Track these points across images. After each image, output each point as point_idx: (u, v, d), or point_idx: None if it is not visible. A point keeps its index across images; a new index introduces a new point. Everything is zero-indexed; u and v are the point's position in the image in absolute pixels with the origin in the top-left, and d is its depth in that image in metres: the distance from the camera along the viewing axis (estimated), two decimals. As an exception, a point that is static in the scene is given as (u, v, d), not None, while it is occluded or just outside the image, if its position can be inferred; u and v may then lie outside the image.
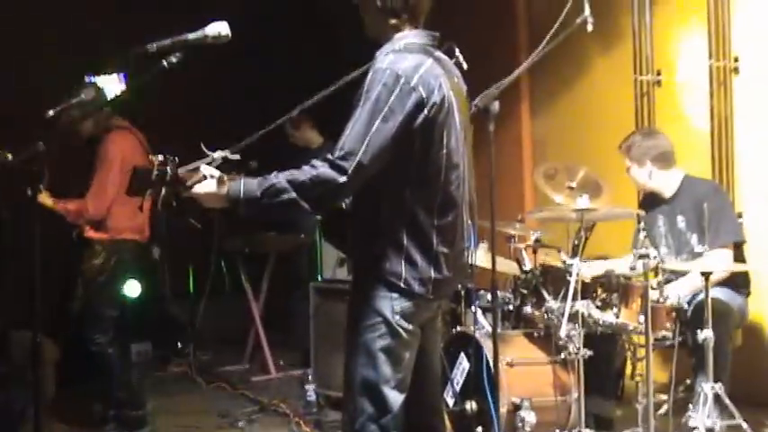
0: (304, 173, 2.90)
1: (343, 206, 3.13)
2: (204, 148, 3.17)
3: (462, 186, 3.16)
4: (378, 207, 3.03)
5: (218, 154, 3.18)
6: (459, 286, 5.09)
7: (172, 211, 3.03)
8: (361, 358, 3.05)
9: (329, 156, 2.90)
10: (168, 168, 2.98)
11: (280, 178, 2.91)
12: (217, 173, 3.05)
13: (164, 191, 3.00)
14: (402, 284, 3.02)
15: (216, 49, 3.15)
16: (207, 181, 3.01)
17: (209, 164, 3.12)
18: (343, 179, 2.87)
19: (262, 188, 2.92)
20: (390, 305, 3.02)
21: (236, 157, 3.19)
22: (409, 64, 2.97)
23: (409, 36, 3.12)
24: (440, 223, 3.07)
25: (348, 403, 3.11)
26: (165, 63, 3.04)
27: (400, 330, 3.04)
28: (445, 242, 3.08)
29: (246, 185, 2.95)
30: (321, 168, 2.89)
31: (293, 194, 2.89)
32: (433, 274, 3.06)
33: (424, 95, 2.95)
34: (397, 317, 3.03)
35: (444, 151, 3.04)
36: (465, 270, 3.30)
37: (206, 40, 3.10)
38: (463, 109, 3.21)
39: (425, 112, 2.95)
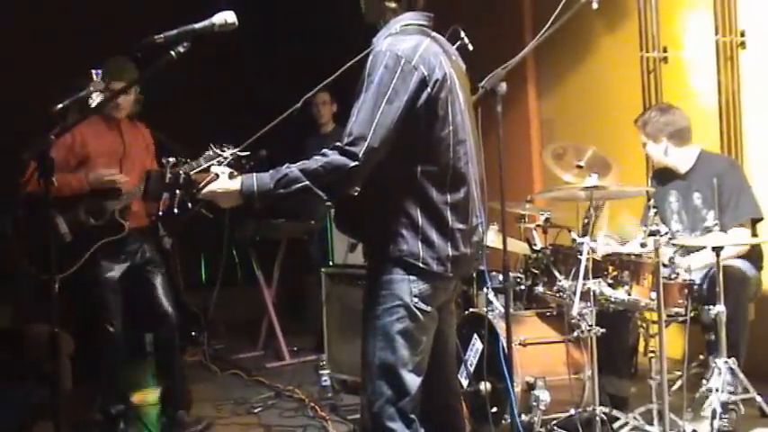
0: (316, 161, 2.94)
1: (354, 194, 3.14)
2: (213, 148, 3.19)
3: (471, 162, 3.18)
4: (389, 188, 3.06)
5: (228, 152, 3.21)
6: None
7: (187, 212, 3.07)
8: (379, 342, 3.08)
9: (338, 143, 2.93)
10: (181, 171, 3.01)
11: (292, 168, 2.95)
12: (227, 171, 3.08)
13: (178, 194, 3.03)
14: (421, 264, 3.04)
15: (215, 38, 3.17)
16: (219, 180, 3.05)
17: (219, 163, 3.15)
18: (354, 164, 2.90)
19: (275, 180, 2.96)
20: (408, 288, 3.05)
21: (246, 153, 3.22)
22: (408, 45, 3.01)
23: (405, 18, 3.15)
24: (453, 199, 3.09)
25: (366, 386, 3.13)
26: (172, 53, 3.05)
27: (418, 313, 3.07)
28: (459, 218, 3.11)
29: (259, 179, 2.99)
30: (332, 156, 2.92)
31: (307, 182, 2.92)
32: (450, 251, 3.09)
33: (426, 73, 2.98)
34: (416, 299, 3.06)
35: (451, 127, 3.07)
36: (480, 246, 3.31)
37: (213, 29, 3.12)
38: (465, 86, 3.24)
39: (428, 89, 2.99)
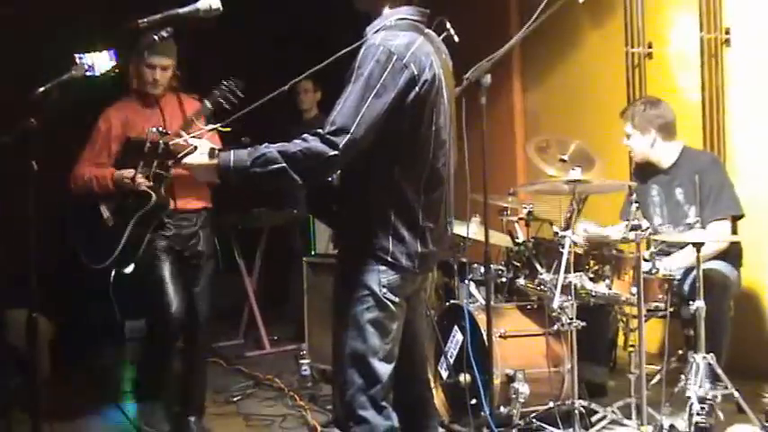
0: (295, 145, 2.92)
1: (330, 181, 3.14)
2: (195, 121, 3.17)
3: (447, 164, 3.20)
4: (366, 184, 3.07)
5: (208, 127, 3.18)
6: (452, 260, 5.12)
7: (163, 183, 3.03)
8: (350, 331, 3.09)
9: (320, 131, 2.92)
10: (161, 141, 2.99)
11: (271, 149, 2.94)
12: (207, 144, 3.07)
13: (155, 163, 3.01)
14: (389, 258, 3.06)
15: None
16: (197, 153, 3.03)
17: (199, 137, 3.13)
18: (333, 153, 2.89)
19: (252, 157, 2.94)
20: (378, 278, 3.07)
21: (227, 129, 3.20)
22: (401, 41, 2.99)
23: (400, 11, 3.13)
24: (426, 200, 3.11)
25: (338, 375, 3.16)
26: (155, 38, 3.03)
27: (387, 303, 3.09)
28: (430, 218, 3.13)
29: (237, 155, 2.97)
30: (312, 142, 2.91)
31: (283, 164, 2.91)
32: (419, 248, 3.11)
33: (416, 73, 2.97)
34: (384, 289, 3.07)
35: (434, 128, 3.08)
36: (447, 243, 3.34)
37: (197, 14, 3.11)
38: (450, 86, 3.24)
39: (417, 89, 2.98)
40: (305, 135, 2.94)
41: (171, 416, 5.04)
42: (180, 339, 4.89)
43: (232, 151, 2.99)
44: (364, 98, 2.91)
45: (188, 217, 4.89)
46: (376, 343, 3.09)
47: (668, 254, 5.01)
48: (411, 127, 3.02)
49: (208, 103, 4.40)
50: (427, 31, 3.19)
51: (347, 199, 3.14)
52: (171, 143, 3.02)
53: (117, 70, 5.42)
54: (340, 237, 3.29)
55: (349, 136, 2.88)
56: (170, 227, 4.79)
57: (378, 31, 3.07)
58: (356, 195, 3.11)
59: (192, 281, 4.91)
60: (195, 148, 3.04)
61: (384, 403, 3.11)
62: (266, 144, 2.96)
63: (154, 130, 2.96)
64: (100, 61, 6.05)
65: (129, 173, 4.54)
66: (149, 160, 2.96)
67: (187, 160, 3.04)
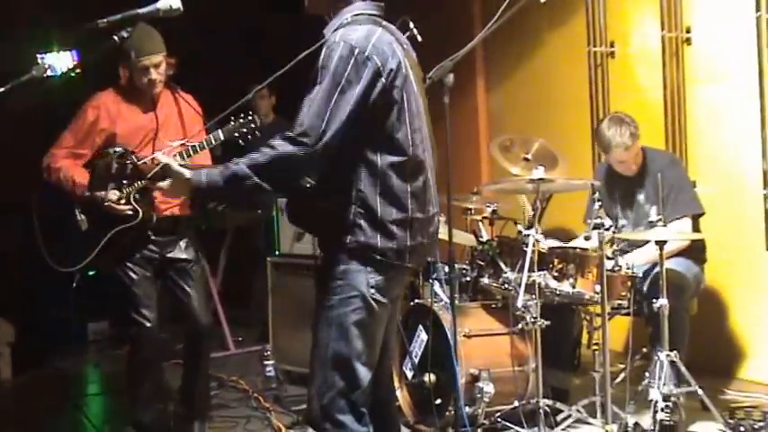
0: (264, 154, 2.90)
1: (307, 186, 3.08)
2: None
3: (427, 150, 3.18)
4: (348, 177, 3.02)
5: (176, 142, 3.15)
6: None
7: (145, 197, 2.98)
8: (333, 332, 3.04)
9: (288, 133, 2.89)
10: (128, 161, 2.95)
11: (240, 165, 2.90)
12: (175, 161, 3.04)
13: (125, 185, 2.96)
14: (378, 256, 3.02)
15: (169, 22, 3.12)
16: (171, 172, 2.98)
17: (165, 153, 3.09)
18: (304, 152, 2.86)
19: (224, 177, 2.91)
20: (366, 279, 3.03)
21: (194, 143, 3.16)
22: (360, 34, 2.98)
23: (356, 8, 3.12)
24: (413, 188, 3.08)
25: (316, 377, 3.09)
26: (116, 38, 2.99)
27: (374, 305, 3.05)
28: (418, 207, 3.10)
29: (209, 175, 2.94)
30: (281, 147, 2.88)
31: (255, 179, 2.89)
32: (409, 241, 3.07)
33: (380, 64, 2.96)
34: (372, 290, 3.04)
35: (407, 114, 3.05)
36: (435, 237, 3.30)
37: (157, 14, 3.07)
38: (417, 76, 3.23)
39: (383, 79, 2.97)
40: (271, 141, 2.91)
41: (172, 418, 4.99)
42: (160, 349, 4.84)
43: (203, 171, 2.96)
44: (330, 96, 2.89)
45: (169, 224, 4.70)
46: (360, 346, 3.05)
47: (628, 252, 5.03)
48: (384, 116, 3.00)
49: (221, 134, 4.24)
50: (385, 23, 3.17)
51: (329, 196, 3.06)
52: (139, 163, 2.98)
53: (78, 70, 5.37)
54: (323, 235, 3.22)
55: (318, 136, 2.87)
56: (150, 236, 4.63)
57: (336, 29, 3.05)
58: (339, 191, 3.03)
59: (183, 289, 4.77)
60: (163, 165, 3.00)
61: (363, 409, 3.08)
62: (235, 160, 2.93)
63: (120, 150, 2.91)
64: (61, 61, 6.03)
65: (112, 195, 4.25)
66: (119, 182, 2.91)
67: (161, 183, 2.99)
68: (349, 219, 3.02)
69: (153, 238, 4.63)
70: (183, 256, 4.77)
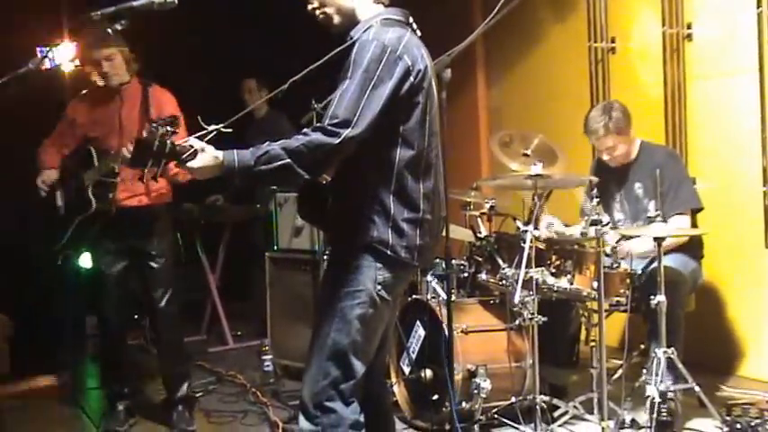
0: (297, 140, 2.95)
1: (323, 181, 3.15)
2: (201, 122, 3.13)
3: (438, 156, 3.26)
4: (365, 174, 3.10)
5: (211, 127, 3.15)
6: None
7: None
8: (335, 323, 3.10)
9: (321, 124, 2.96)
10: (168, 141, 2.96)
11: (273, 146, 2.95)
12: (207, 146, 3.04)
13: (162, 162, 2.97)
14: (389, 252, 3.08)
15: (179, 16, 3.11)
16: (203, 154, 3.00)
17: (201, 138, 3.09)
18: (337, 142, 2.92)
19: (255, 156, 2.95)
20: (374, 275, 3.09)
21: (229, 130, 3.16)
22: (393, 35, 3.07)
23: (383, 13, 3.21)
24: (425, 188, 3.15)
25: (312, 365, 3.15)
26: (109, 31, 2.98)
27: (379, 301, 3.11)
28: (429, 208, 3.17)
29: (240, 155, 2.97)
30: (314, 135, 2.95)
31: (287, 160, 2.93)
32: (418, 240, 3.14)
33: (410, 63, 3.06)
34: (379, 287, 3.10)
35: (428, 117, 3.15)
36: (440, 236, 3.39)
37: (152, 6, 3.05)
38: (434, 81, 3.31)
39: (411, 79, 3.06)
40: (305, 130, 2.98)
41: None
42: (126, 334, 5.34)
43: (235, 151, 2.98)
44: (363, 90, 2.96)
45: (137, 214, 4.88)
46: (359, 340, 3.11)
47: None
48: (408, 115, 3.09)
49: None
50: (412, 28, 3.26)
51: (344, 191, 3.14)
52: (178, 143, 2.98)
53: (78, 63, 5.38)
54: (334, 230, 3.29)
55: (352, 127, 2.93)
56: (117, 227, 4.83)
57: (367, 29, 3.13)
58: (354, 187, 3.12)
59: (150, 276, 4.95)
60: (195, 149, 3.00)
61: (352, 399, 3.13)
62: (268, 141, 2.97)
63: (162, 128, 2.90)
64: (61, 54, 6.02)
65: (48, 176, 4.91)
66: (159, 160, 2.90)
67: (195, 162, 3.00)
68: (362, 216, 3.09)
69: (117, 227, 4.83)
70: (149, 246, 4.93)
